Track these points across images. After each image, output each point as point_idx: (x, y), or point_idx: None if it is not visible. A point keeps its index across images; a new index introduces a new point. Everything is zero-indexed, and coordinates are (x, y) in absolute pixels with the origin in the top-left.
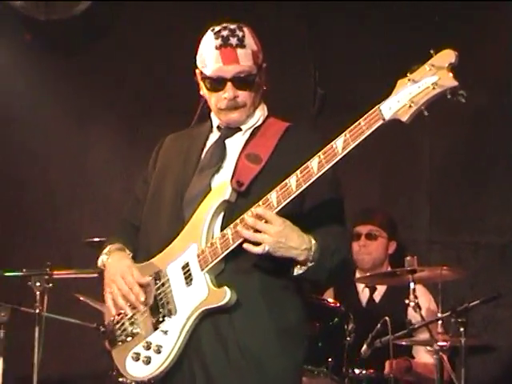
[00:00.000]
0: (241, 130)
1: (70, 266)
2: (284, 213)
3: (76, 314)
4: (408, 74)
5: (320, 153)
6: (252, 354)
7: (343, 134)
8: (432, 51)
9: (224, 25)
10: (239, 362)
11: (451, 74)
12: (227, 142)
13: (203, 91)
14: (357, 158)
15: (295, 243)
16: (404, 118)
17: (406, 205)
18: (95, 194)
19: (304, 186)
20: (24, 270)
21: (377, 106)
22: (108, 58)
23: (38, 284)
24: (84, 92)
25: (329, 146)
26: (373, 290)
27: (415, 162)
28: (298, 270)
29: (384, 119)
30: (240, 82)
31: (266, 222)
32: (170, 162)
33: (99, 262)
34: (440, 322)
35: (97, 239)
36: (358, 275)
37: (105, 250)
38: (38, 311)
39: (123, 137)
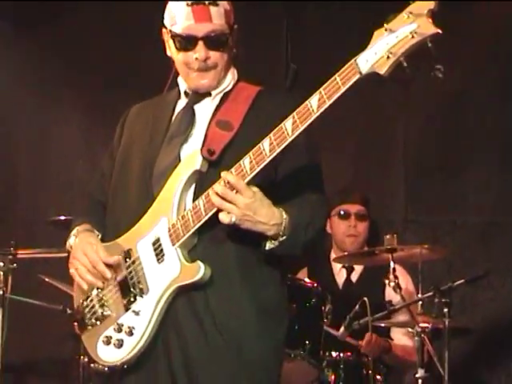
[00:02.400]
0: (210, 95)
1: (34, 245)
2: (257, 181)
3: (41, 296)
4: (385, 24)
5: (294, 113)
6: (230, 332)
7: (318, 92)
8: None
9: None
10: (217, 341)
11: (431, 21)
12: (196, 107)
13: (170, 52)
14: (331, 137)
15: (264, 218)
16: (382, 71)
17: (381, 184)
18: (59, 172)
19: (278, 150)
20: None
21: (353, 60)
22: (68, 34)
23: (1, 264)
24: (48, 70)
25: (303, 106)
26: (350, 270)
27: (390, 139)
28: (269, 245)
29: (361, 73)
30: (212, 41)
31: (237, 192)
32: (136, 134)
33: (67, 245)
34: (420, 302)
35: (62, 217)
36: (333, 255)
37: (72, 232)
38: (1, 292)
39: (86, 114)
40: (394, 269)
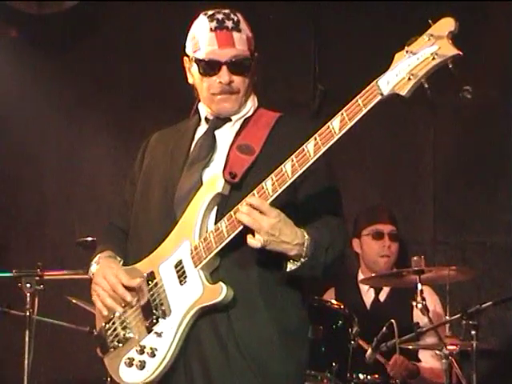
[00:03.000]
0: (230, 120)
1: (61, 267)
2: (278, 203)
3: (68, 317)
4: (406, 47)
5: (316, 134)
6: (252, 354)
7: (339, 114)
8: (430, 21)
9: (217, 9)
10: (239, 363)
11: (451, 43)
12: (217, 133)
13: (192, 79)
14: (359, 156)
15: (288, 237)
16: (403, 92)
17: (410, 204)
18: (87, 194)
19: (300, 171)
20: (14, 271)
21: (374, 81)
22: (98, 56)
23: (28, 285)
24: (75, 91)
25: (325, 127)
26: (378, 290)
27: (419, 160)
28: (291, 266)
29: (382, 94)
30: (235, 66)
31: (261, 213)
32: (157, 160)
33: (89, 273)
34: (448, 324)
35: (89, 239)
36: (361, 276)
37: (94, 259)
38: (28, 314)
39: (115, 136)
40: (422, 291)
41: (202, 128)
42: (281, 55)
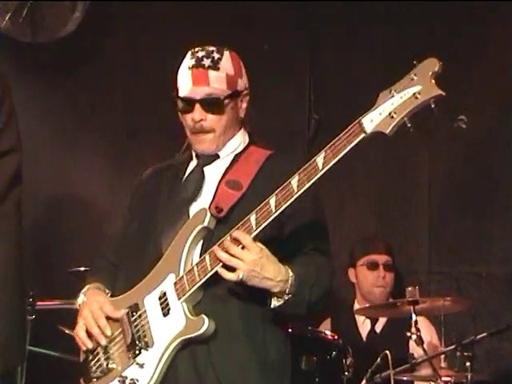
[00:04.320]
0: (219, 156)
1: (54, 296)
2: (263, 238)
3: (60, 348)
4: (391, 87)
5: (300, 170)
6: None
7: (323, 150)
8: (415, 61)
9: (204, 46)
10: None
11: (434, 83)
12: (206, 169)
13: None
14: (354, 186)
15: (270, 274)
16: (386, 130)
17: (405, 234)
18: (81, 222)
19: (284, 206)
20: None
21: (357, 120)
22: (95, 81)
23: None
24: (70, 116)
25: (309, 163)
26: (374, 321)
27: (413, 189)
28: (274, 302)
29: (366, 132)
30: (208, 104)
31: (243, 247)
32: (147, 195)
33: (76, 304)
34: (443, 356)
35: (82, 268)
36: (357, 305)
37: (82, 290)
38: None
39: (110, 163)
40: (416, 321)
41: (193, 164)
42: (276, 84)
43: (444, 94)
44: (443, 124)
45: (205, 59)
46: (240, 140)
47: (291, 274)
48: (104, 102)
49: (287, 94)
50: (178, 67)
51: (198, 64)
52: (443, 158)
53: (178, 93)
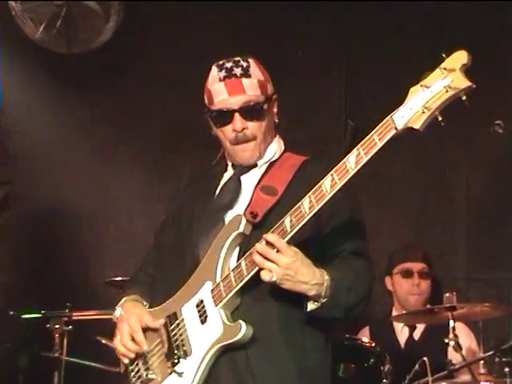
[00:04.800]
0: (256, 165)
1: (92, 306)
2: (301, 240)
3: (98, 358)
4: (420, 81)
5: (332, 171)
6: None
7: (355, 149)
8: (444, 55)
9: (228, 58)
10: None
11: (464, 75)
12: (242, 178)
13: (214, 131)
14: (392, 194)
15: (304, 277)
16: (417, 126)
17: (443, 241)
18: (120, 233)
19: (317, 208)
20: (42, 312)
21: (389, 116)
22: (133, 93)
23: (56, 326)
24: (108, 129)
25: (341, 164)
26: (412, 328)
27: (452, 196)
28: (311, 306)
29: (397, 128)
30: (248, 112)
31: (278, 251)
32: (184, 205)
33: (113, 317)
34: (482, 362)
35: (119, 278)
36: (394, 313)
37: (120, 303)
38: (57, 355)
39: (148, 175)
40: (454, 328)
41: (228, 173)
42: (312, 91)
43: (474, 85)
44: (481, 130)
45: (235, 68)
46: (276, 147)
47: (327, 277)
48: (142, 114)
49: (323, 101)
50: (204, 84)
51: (230, 74)
52: (481, 165)
53: (210, 107)
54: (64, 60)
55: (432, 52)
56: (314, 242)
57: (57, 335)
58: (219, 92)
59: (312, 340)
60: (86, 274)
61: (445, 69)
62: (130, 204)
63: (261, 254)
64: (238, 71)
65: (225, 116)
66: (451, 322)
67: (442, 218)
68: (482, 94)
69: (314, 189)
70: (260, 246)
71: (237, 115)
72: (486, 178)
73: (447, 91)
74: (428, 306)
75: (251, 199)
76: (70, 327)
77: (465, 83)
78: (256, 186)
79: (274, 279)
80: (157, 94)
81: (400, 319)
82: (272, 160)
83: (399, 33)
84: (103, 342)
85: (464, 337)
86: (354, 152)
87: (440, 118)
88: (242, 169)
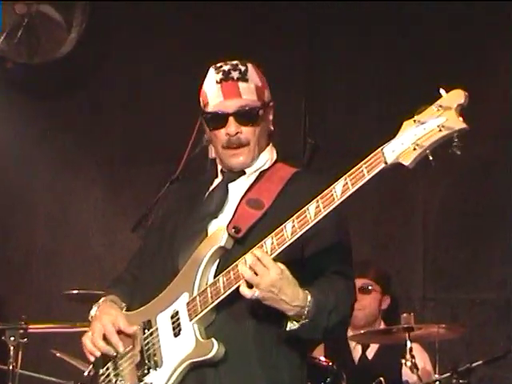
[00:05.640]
0: (245, 173)
1: (48, 318)
2: (285, 258)
3: (53, 372)
4: (415, 116)
5: (318, 197)
6: None
7: (343, 178)
8: (442, 91)
9: (226, 61)
10: None
11: (458, 115)
12: (230, 185)
13: (207, 134)
14: (349, 212)
15: (287, 297)
16: (407, 162)
17: (400, 260)
18: (75, 245)
19: (299, 234)
20: None
21: (379, 149)
22: (92, 107)
23: (12, 338)
24: (67, 141)
25: (327, 191)
26: (366, 346)
27: (409, 215)
28: (290, 325)
29: (386, 162)
30: (242, 116)
31: (264, 266)
32: (171, 209)
33: (89, 316)
34: (438, 383)
35: (75, 291)
36: (350, 332)
37: (97, 302)
38: (11, 367)
39: (106, 188)
40: (411, 348)
41: (218, 180)
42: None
43: (468, 128)
44: (439, 150)
45: (232, 72)
46: (268, 156)
47: (309, 299)
48: (100, 127)
49: (282, 118)
50: (201, 85)
51: (227, 77)
52: (438, 184)
53: (205, 109)
54: (23, 69)
55: (395, 73)
56: (297, 259)
57: (12, 347)
58: (215, 94)
59: (287, 358)
60: (42, 287)
61: (440, 106)
62: (86, 217)
63: (249, 267)
64: (235, 74)
65: (219, 119)
66: (408, 343)
67: (399, 238)
68: None
69: (299, 213)
70: (250, 257)
71: (231, 119)
72: (444, 197)
73: (440, 130)
74: (383, 327)
75: (235, 211)
76: (26, 340)
77: (459, 124)
78: (242, 198)
79: (256, 295)
80: (116, 106)
81: (356, 338)
82: (262, 169)
83: (360, 48)
84: (58, 355)
85: (419, 358)
86: (341, 181)
87: (431, 158)
88: (230, 175)
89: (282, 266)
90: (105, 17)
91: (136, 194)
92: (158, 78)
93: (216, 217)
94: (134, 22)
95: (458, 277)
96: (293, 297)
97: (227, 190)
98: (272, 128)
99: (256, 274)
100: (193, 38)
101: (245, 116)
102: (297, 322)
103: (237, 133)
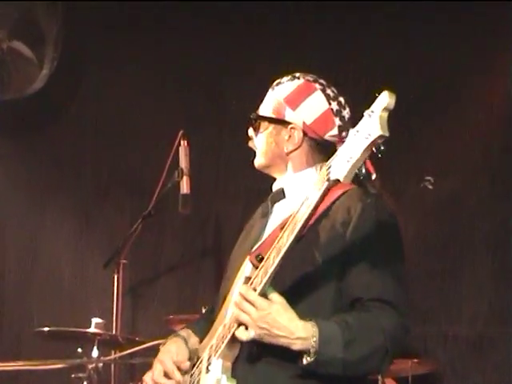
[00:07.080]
0: (284, 196)
1: (19, 356)
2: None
3: None
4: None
5: (284, 225)
6: None
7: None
8: (377, 94)
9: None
10: None
11: (381, 121)
12: (276, 206)
13: None
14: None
15: (282, 331)
16: (340, 177)
17: None
18: (46, 280)
19: (277, 261)
20: None
21: (325, 167)
22: (63, 141)
23: None
24: (39, 174)
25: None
26: None
27: None
28: (305, 360)
29: (329, 180)
30: (252, 120)
31: (249, 302)
32: (242, 238)
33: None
34: None
35: (46, 329)
36: None
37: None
38: None
39: (77, 222)
40: (384, 383)
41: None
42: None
43: (387, 134)
44: (411, 185)
45: (281, 80)
46: (308, 178)
47: (316, 329)
48: (71, 161)
49: None
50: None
51: (276, 83)
52: (410, 218)
53: None
54: None
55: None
56: (328, 287)
57: None
58: None
59: None
60: (12, 323)
61: (372, 112)
62: (58, 252)
63: (236, 305)
64: (274, 83)
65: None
66: (379, 378)
67: None
68: (413, 151)
69: (278, 238)
70: (237, 297)
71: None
72: (415, 231)
73: (367, 138)
74: None
75: (267, 238)
76: None
77: (378, 131)
78: (281, 222)
79: (251, 335)
80: (88, 140)
81: None
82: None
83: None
84: None
85: None
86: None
87: (363, 170)
88: (274, 195)
89: (276, 299)
90: (77, 53)
91: (109, 227)
92: (131, 113)
93: (257, 244)
94: (105, 56)
95: (430, 311)
96: (290, 329)
97: (271, 211)
98: (291, 149)
99: (244, 311)
100: (166, 74)
101: (251, 121)
102: (309, 356)
103: (251, 136)
